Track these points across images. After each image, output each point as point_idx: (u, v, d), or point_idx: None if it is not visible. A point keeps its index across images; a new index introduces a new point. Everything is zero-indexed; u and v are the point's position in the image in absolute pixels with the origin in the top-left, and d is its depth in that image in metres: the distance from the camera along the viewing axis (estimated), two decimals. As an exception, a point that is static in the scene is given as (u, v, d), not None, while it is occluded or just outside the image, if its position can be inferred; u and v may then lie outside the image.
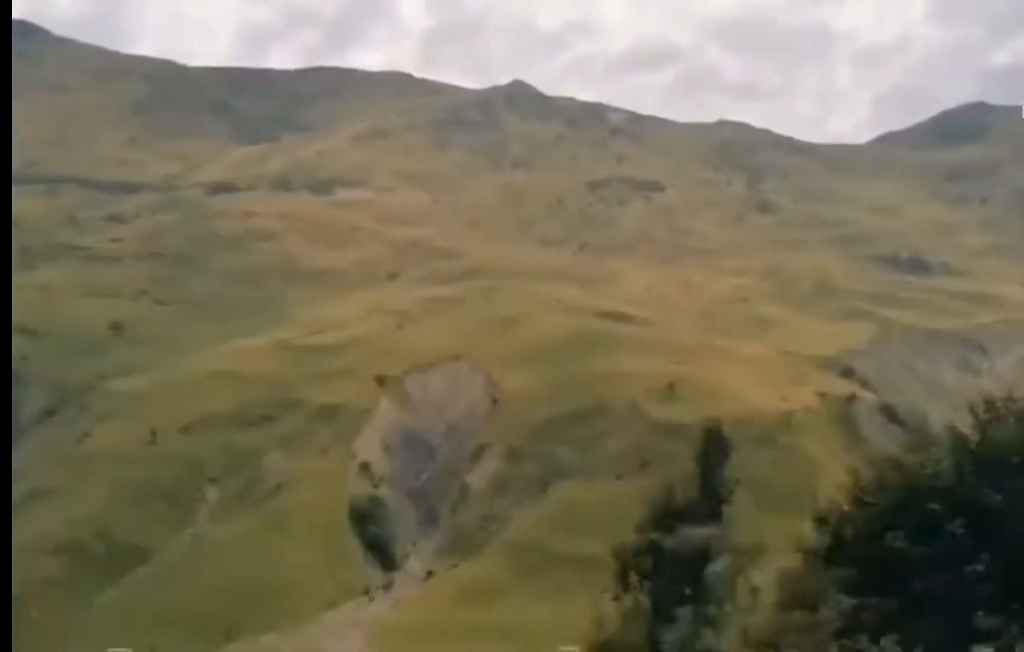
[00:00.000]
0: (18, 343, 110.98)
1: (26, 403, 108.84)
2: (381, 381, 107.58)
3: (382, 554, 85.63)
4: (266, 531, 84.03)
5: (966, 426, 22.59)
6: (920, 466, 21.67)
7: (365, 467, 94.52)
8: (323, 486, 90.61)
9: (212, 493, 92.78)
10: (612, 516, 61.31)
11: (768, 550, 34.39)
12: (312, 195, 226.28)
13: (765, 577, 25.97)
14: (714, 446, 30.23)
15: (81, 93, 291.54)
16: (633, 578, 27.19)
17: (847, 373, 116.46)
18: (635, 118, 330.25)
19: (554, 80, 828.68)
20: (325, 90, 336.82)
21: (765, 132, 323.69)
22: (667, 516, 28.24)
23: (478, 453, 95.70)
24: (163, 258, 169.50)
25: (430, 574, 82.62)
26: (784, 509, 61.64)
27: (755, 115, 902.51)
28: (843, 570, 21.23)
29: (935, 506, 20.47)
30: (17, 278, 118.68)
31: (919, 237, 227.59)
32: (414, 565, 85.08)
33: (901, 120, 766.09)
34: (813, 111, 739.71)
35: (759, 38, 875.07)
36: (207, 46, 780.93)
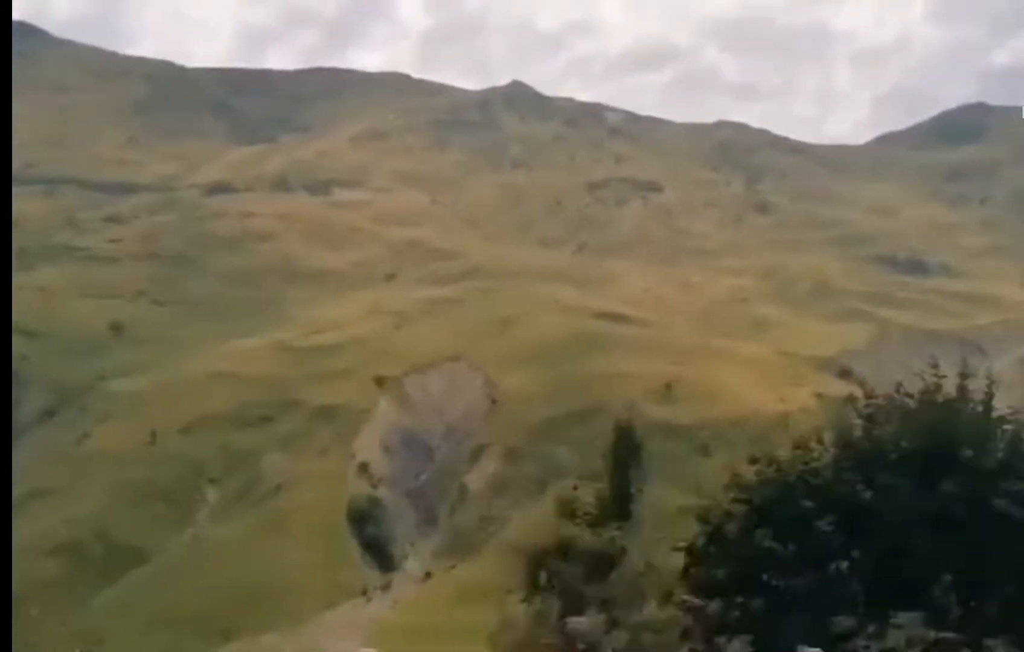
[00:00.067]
0: (17, 344, 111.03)
1: (25, 403, 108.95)
2: (380, 382, 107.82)
3: (380, 555, 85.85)
4: (265, 532, 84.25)
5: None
6: (794, 462, 21.76)
7: (364, 468, 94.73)
8: (322, 487, 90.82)
9: (211, 494, 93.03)
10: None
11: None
12: (310, 196, 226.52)
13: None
14: (625, 444, 29.53)
15: (80, 94, 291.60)
16: (543, 579, 26.74)
17: (845, 374, 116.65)
18: (633, 118, 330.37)
19: (553, 80, 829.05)
20: (324, 90, 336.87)
21: (764, 132, 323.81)
22: (577, 516, 27.82)
23: (476, 454, 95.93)
24: (162, 259, 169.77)
25: (428, 575, 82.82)
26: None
27: (754, 115, 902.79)
28: (719, 569, 21.31)
29: (808, 503, 20.57)
30: (16, 279, 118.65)
31: (918, 237, 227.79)
32: (412, 565, 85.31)
33: (901, 120, 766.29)
34: (812, 111, 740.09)
35: (758, 38, 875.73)
36: (206, 46, 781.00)
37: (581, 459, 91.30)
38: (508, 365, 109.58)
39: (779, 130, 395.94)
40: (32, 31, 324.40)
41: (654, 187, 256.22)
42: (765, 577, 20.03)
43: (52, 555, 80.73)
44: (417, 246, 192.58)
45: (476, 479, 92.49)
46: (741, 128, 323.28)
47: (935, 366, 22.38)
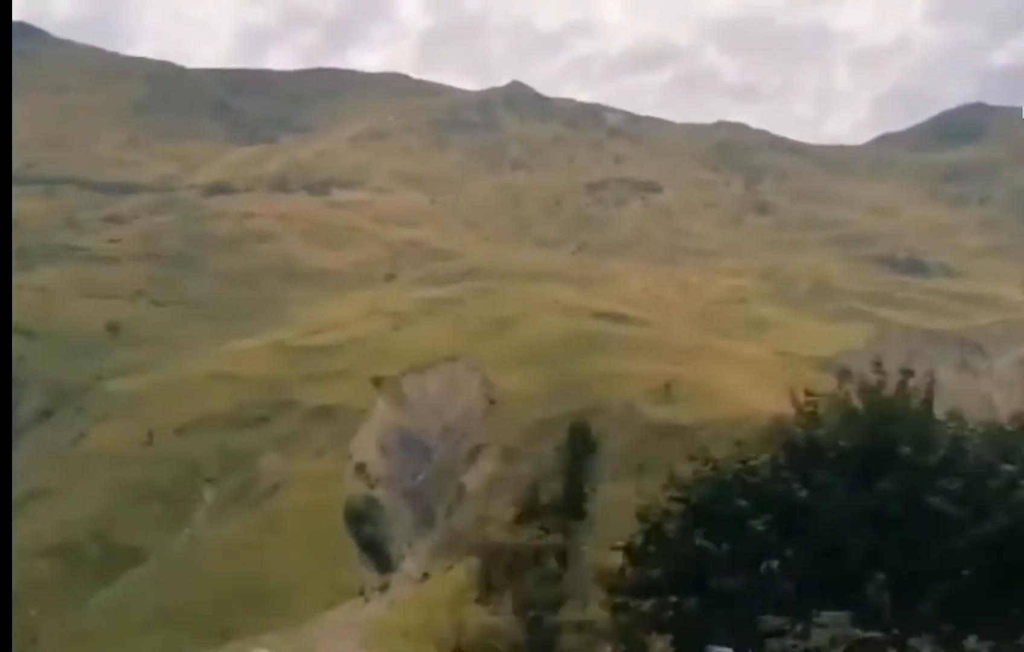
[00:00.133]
0: (15, 344, 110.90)
1: (23, 404, 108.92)
2: (377, 382, 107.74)
3: (378, 555, 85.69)
4: (262, 532, 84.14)
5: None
6: (731, 461, 21.73)
7: (361, 468, 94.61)
8: (319, 487, 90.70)
9: (208, 494, 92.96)
10: (609, 517, 61.34)
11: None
12: (310, 196, 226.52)
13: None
14: (579, 443, 28.77)
15: (80, 94, 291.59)
16: (497, 577, 26.32)
17: (844, 374, 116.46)
18: (633, 119, 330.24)
19: (553, 81, 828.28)
20: (323, 91, 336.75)
21: (763, 133, 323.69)
22: (532, 515, 27.31)
23: (474, 454, 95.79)
24: (161, 259, 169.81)
25: (426, 575, 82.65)
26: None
27: (754, 115, 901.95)
28: (655, 568, 21.23)
29: (743, 502, 20.50)
30: (15, 279, 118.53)
31: (917, 238, 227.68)
32: (410, 566, 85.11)
33: (901, 120, 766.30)
34: (812, 111, 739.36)
35: (758, 38, 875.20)
36: (206, 47, 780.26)
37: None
38: (507, 365, 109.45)
39: (779, 130, 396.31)
40: (32, 31, 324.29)
41: (653, 187, 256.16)
42: (700, 576, 19.95)
43: (49, 556, 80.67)
44: (416, 246, 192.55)
45: (474, 479, 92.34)
46: (740, 128, 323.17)
47: (878, 363, 22.38)
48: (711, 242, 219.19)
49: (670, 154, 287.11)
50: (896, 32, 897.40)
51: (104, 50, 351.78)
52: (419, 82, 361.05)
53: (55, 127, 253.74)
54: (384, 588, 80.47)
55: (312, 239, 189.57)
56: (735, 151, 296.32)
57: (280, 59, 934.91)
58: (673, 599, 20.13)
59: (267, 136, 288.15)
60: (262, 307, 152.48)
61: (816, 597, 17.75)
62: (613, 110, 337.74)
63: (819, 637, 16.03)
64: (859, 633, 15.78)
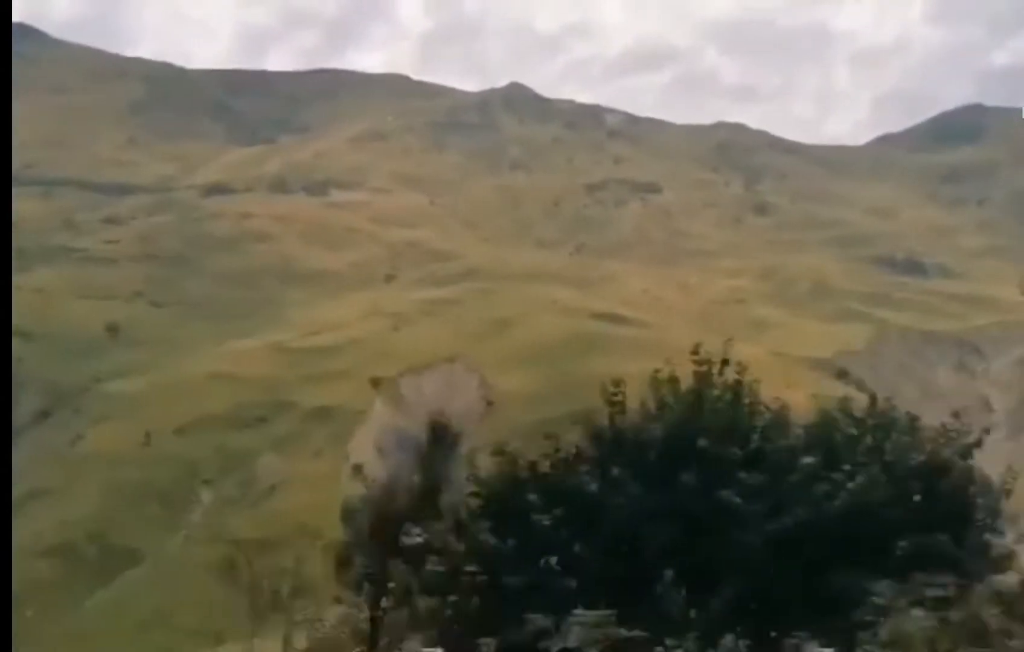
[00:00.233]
0: (13, 345, 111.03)
1: (20, 405, 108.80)
2: (375, 383, 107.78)
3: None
4: (259, 532, 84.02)
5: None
6: (525, 453, 21.59)
7: (358, 469, 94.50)
8: (318, 488, 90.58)
9: (205, 495, 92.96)
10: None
11: None
12: (309, 197, 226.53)
13: None
14: (439, 441, 27.92)
15: (79, 95, 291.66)
16: (349, 581, 25.70)
17: (842, 375, 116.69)
18: (632, 120, 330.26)
19: (552, 82, 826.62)
20: (323, 91, 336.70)
21: (762, 133, 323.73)
22: (387, 517, 26.45)
23: (472, 455, 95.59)
24: (159, 260, 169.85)
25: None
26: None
27: (754, 116, 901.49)
28: (441, 565, 20.94)
29: (533, 496, 20.32)
30: (13, 280, 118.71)
31: (916, 239, 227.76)
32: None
33: (901, 121, 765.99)
34: (812, 112, 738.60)
35: (758, 39, 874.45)
36: (206, 47, 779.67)
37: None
38: (506, 366, 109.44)
39: (779, 131, 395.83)
40: (31, 32, 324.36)
41: (653, 188, 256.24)
42: (483, 574, 19.64)
43: (46, 556, 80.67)
44: (415, 247, 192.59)
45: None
46: (740, 129, 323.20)
47: (695, 352, 22.19)
48: (710, 243, 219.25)
49: (669, 155, 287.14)
50: (896, 33, 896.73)
51: (103, 51, 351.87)
52: (418, 83, 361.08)
53: (54, 128, 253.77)
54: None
55: (311, 240, 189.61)
56: (734, 152, 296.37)
57: (280, 60, 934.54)
58: (453, 598, 19.81)
59: (267, 137, 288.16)
60: (260, 308, 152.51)
61: (602, 595, 17.39)
62: (612, 111, 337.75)
63: (577, 636, 15.57)
64: (623, 632, 15.38)
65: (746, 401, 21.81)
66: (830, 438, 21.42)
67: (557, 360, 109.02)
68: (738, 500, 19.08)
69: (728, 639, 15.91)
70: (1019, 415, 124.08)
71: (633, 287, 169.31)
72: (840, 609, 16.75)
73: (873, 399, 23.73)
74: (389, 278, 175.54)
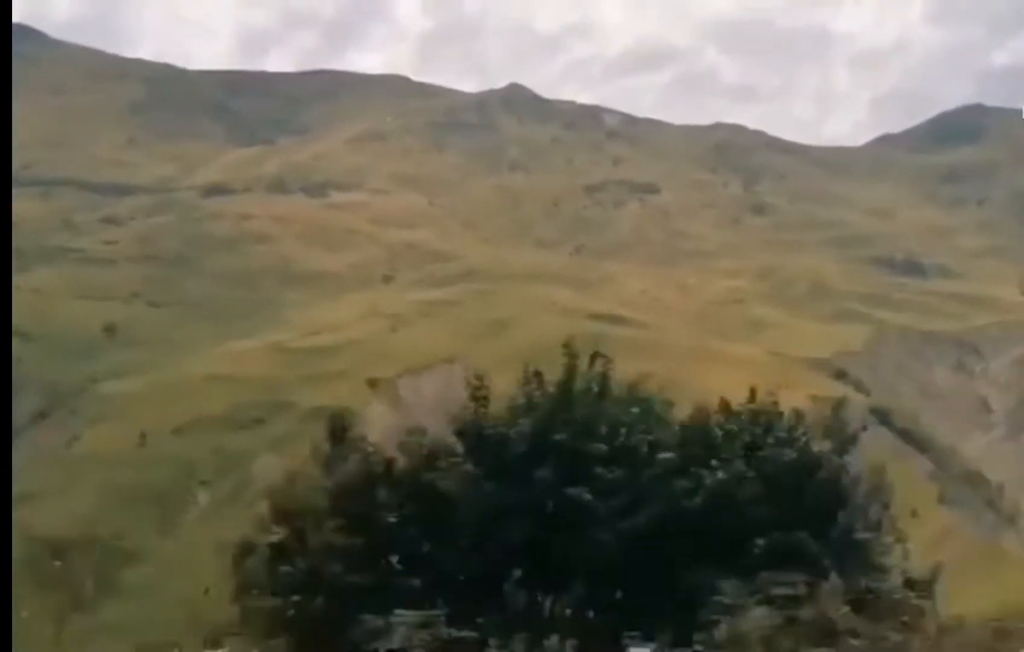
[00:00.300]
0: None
1: (18, 406, 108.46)
2: (373, 384, 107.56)
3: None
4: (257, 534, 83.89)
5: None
6: (379, 452, 21.42)
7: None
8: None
9: (202, 496, 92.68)
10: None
11: None
12: (308, 197, 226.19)
13: None
14: (339, 436, 27.12)
15: (78, 95, 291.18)
16: (245, 578, 25.31)
17: (840, 375, 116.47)
18: (631, 121, 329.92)
19: (552, 83, 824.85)
20: (322, 92, 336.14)
21: (761, 134, 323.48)
22: (284, 513, 25.89)
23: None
24: (158, 260, 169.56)
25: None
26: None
27: (753, 116, 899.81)
28: (288, 565, 20.78)
29: (384, 494, 20.11)
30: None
31: (915, 239, 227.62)
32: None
33: (900, 121, 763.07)
34: (812, 112, 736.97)
35: (758, 40, 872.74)
36: (205, 48, 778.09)
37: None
38: (504, 367, 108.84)
39: (778, 131, 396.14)
40: (30, 33, 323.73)
41: (651, 189, 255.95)
42: (329, 573, 19.31)
43: (43, 557, 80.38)
44: (414, 248, 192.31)
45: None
46: (738, 130, 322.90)
47: (567, 346, 21.99)
48: (709, 243, 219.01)
49: (668, 155, 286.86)
50: (895, 33, 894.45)
51: (103, 52, 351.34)
52: (418, 84, 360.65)
53: (53, 129, 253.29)
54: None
55: (310, 241, 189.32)
56: (733, 152, 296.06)
57: (279, 60, 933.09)
58: (296, 598, 19.50)
59: (266, 137, 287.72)
60: (259, 308, 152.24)
61: (449, 594, 17.10)
62: (611, 112, 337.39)
63: (402, 636, 15.30)
64: (453, 633, 15.14)
65: (614, 394, 21.35)
66: (706, 434, 20.97)
67: (556, 361, 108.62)
68: (588, 496, 18.63)
69: (553, 640, 15.63)
70: (1018, 415, 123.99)
71: (632, 287, 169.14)
72: (689, 608, 16.33)
73: (752, 394, 23.33)
74: (387, 279, 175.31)
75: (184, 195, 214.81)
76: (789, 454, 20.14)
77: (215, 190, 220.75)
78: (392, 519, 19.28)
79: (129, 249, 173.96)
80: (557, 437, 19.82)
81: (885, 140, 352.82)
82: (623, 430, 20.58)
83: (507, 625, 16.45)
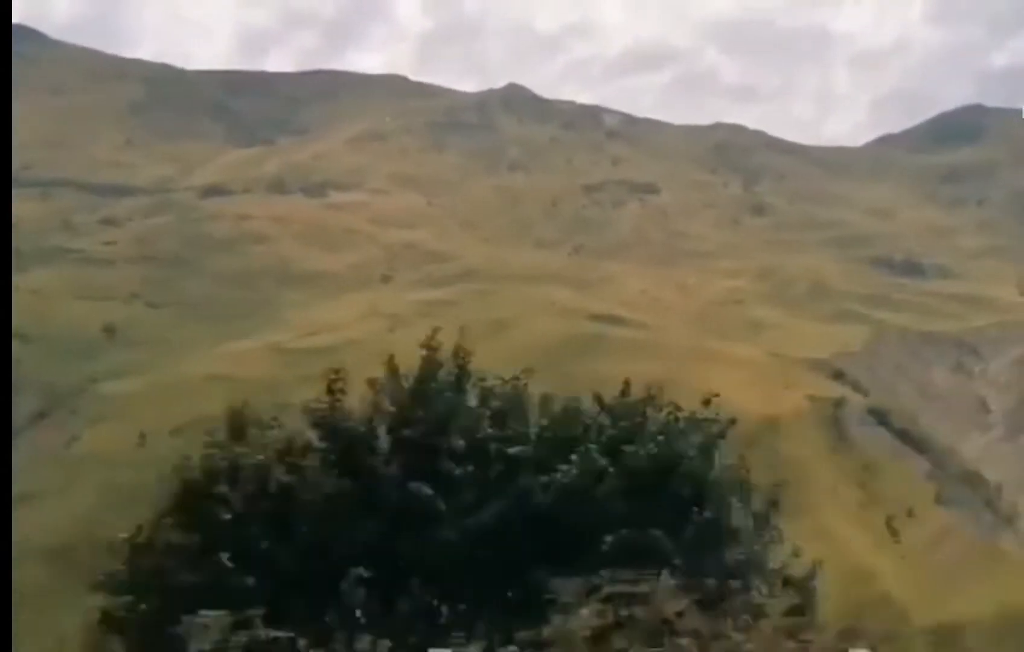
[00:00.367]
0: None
1: (17, 407, 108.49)
2: (372, 384, 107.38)
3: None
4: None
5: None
6: (230, 445, 21.39)
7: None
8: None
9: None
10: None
11: None
12: (307, 198, 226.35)
13: None
14: (236, 431, 26.59)
15: (77, 96, 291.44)
16: (139, 576, 24.91)
17: (839, 375, 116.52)
18: (631, 121, 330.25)
19: (551, 83, 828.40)
20: (322, 92, 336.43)
21: (761, 134, 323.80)
22: (180, 509, 25.48)
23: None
24: (157, 261, 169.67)
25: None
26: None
27: (753, 116, 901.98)
28: (127, 565, 20.68)
29: (224, 490, 20.04)
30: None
31: (914, 239, 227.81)
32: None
33: (900, 122, 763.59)
34: (812, 113, 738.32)
35: (758, 40, 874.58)
36: (205, 48, 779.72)
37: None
38: (503, 367, 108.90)
39: (778, 132, 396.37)
40: (30, 33, 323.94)
41: (651, 189, 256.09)
42: (164, 570, 19.18)
43: (40, 559, 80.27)
44: (413, 248, 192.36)
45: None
46: (738, 130, 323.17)
47: (427, 341, 21.71)
48: (709, 243, 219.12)
49: (668, 155, 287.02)
50: (895, 34, 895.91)
51: (102, 52, 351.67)
52: (417, 84, 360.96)
53: (52, 129, 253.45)
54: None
55: (309, 241, 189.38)
56: (733, 152, 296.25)
57: (279, 60, 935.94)
58: (129, 598, 19.39)
59: (266, 138, 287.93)
60: (258, 309, 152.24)
61: (286, 593, 16.93)
62: (611, 112, 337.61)
63: (207, 637, 15.09)
64: (272, 633, 14.90)
65: (471, 387, 21.17)
66: (569, 428, 20.72)
67: (555, 361, 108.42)
68: (428, 491, 18.43)
69: (365, 641, 15.41)
70: (1017, 416, 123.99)
71: (631, 288, 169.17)
72: (531, 609, 16.09)
73: (626, 387, 23.02)
74: (387, 279, 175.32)
75: (183, 196, 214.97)
76: (652, 449, 19.85)
77: (214, 191, 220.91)
78: (226, 516, 19.07)
79: (128, 250, 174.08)
80: (408, 433, 19.74)
81: (885, 140, 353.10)
82: (482, 426, 20.43)
83: (343, 625, 16.33)
